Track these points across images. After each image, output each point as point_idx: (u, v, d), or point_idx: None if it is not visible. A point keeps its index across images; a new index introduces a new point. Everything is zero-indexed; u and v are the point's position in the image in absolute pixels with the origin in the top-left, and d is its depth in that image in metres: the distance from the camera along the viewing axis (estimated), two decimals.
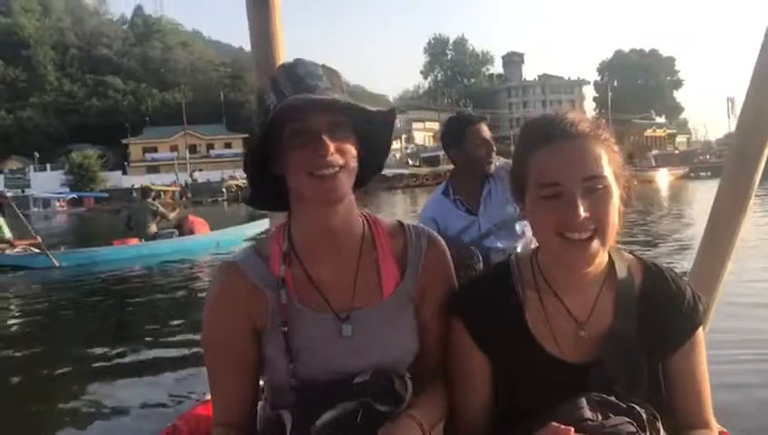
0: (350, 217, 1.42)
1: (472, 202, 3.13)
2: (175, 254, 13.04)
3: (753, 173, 1.96)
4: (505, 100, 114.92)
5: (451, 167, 3.36)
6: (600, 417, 1.20)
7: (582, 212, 1.21)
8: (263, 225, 11.89)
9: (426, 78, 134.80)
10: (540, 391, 1.29)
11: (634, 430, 1.18)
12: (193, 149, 77.32)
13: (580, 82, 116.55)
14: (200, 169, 63.73)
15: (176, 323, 7.40)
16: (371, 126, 1.37)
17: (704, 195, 20.64)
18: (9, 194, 19.06)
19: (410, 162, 69.83)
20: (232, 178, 59.38)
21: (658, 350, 1.33)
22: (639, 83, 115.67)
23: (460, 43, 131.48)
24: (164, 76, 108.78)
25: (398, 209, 28.76)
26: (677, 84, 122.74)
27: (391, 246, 1.47)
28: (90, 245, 14.92)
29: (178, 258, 12.67)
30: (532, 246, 1.68)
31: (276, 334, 1.36)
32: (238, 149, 71.17)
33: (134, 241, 13.25)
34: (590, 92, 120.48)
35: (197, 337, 3.03)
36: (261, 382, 1.46)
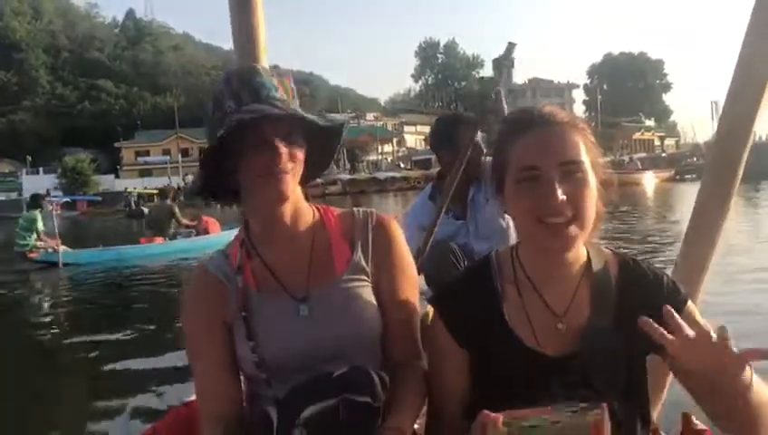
0: (298, 208, 1.52)
1: (458, 206, 3.13)
2: (197, 250, 13.71)
3: (733, 173, 1.99)
4: (493, 103, 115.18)
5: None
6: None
7: (560, 195, 1.24)
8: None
9: (417, 81, 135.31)
10: (518, 385, 1.32)
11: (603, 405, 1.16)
12: (185, 152, 77.31)
13: (570, 86, 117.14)
14: (193, 173, 63.95)
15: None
16: (324, 133, 1.49)
17: (689, 196, 21.36)
18: (2, 198, 19.80)
19: (402, 165, 70.18)
20: None
21: (639, 343, 1.33)
22: (629, 86, 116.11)
23: (451, 47, 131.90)
24: (156, 80, 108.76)
25: (390, 212, 29.22)
26: (666, 87, 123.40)
27: (341, 228, 1.56)
28: (86, 247, 15.67)
29: (201, 254, 13.24)
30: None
31: (240, 322, 1.45)
32: None
33: (159, 240, 14.32)
34: (579, 96, 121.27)
35: None
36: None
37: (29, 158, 75.68)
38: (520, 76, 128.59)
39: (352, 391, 1.31)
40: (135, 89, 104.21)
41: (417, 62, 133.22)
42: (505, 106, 3.22)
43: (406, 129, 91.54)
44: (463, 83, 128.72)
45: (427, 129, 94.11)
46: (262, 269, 1.50)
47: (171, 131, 79.69)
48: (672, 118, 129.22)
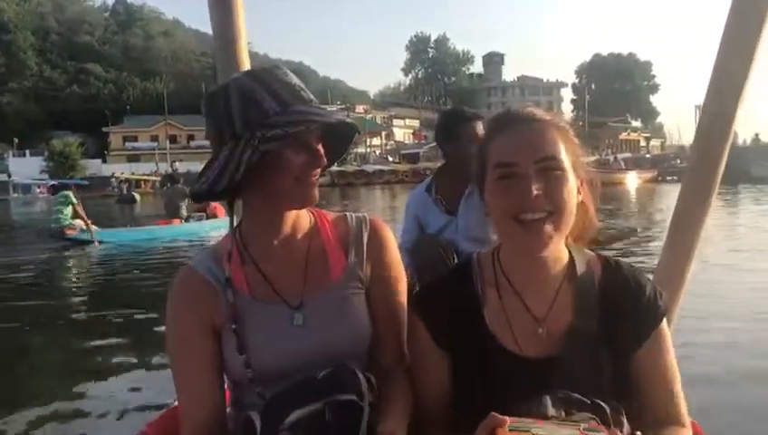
0: (298, 213, 1.49)
1: (452, 201, 3.12)
2: (211, 231, 15.28)
3: (714, 174, 1.99)
4: (485, 99, 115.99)
5: (431, 165, 3.74)
6: (563, 414, 1.20)
7: (535, 190, 1.23)
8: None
9: (407, 75, 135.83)
10: (500, 389, 1.30)
11: (596, 424, 1.17)
12: (173, 139, 77.24)
13: (559, 85, 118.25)
14: (180, 160, 63.97)
15: None
16: (335, 133, 1.47)
17: (670, 196, 22.24)
18: None
19: (390, 159, 70.61)
20: None
21: (622, 346, 1.34)
22: (616, 87, 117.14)
23: (441, 42, 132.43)
24: (145, 65, 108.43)
25: (377, 205, 29.72)
26: (654, 89, 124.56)
27: (335, 234, 1.53)
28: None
29: (215, 235, 14.30)
30: None
31: (230, 333, 1.40)
32: None
33: (177, 222, 15.60)
34: (568, 95, 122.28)
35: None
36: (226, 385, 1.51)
37: (15, 140, 75.38)
38: (509, 74, 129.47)
39: (338, 392, 1.30)
40: (124, 74, 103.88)
41: (407, 55, 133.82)
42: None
43: (395, 122, 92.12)
44: (452, 79, 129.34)
45: (415, 123, 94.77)
46: (256, 275, 1.46)
47: (160, 117, 79.55)
48: (659, 119, 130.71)
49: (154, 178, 59.11)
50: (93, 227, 14.28)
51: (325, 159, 1.39)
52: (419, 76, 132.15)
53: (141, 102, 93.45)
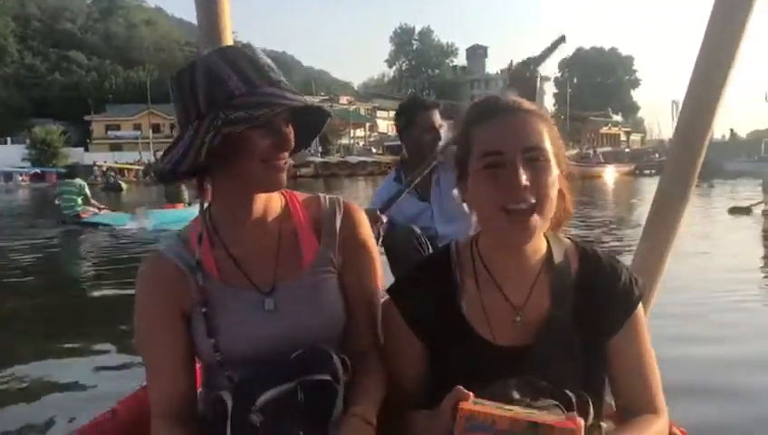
0: (270, 196, 1.46)
1: (423, 188, 3.12)
2: None
3: (693, 167, 2.00)
4: (468, 92, 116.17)
5: None
6: (528, 399, 1.21)
7: (523, 180, 1.22)
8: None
9: (391, 67, 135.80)
10: (475, 376, 1.27)
11: (560, 412, 1.18)
12: (156, 128, 77.00)
13: (541, 78, 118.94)
14: (164, 149, 63.94)
15: None
16: (307, 118, 1.42)
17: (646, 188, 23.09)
18: None
19: (374, 150, 70.96)
20: None
21: (597, 334, 1.35)
22: (598, 81, 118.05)
23: (425, 34, 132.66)
24: (128, 54, 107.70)
25: (360, 195, 30.12)
26: (635, 84, 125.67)
27: (307, 217, 1.50)
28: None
29: None
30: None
31: (199, 317, 1.38)
32: None
33: (180, 206, 15.64)
34: (550, 89, 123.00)
35: None
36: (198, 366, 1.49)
37: None
38: (493, 66, 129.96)
39: (311, 372, 1.30)
40: (107, 62, 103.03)
41: (391, 47, 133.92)
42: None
43: (378, 114, 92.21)
44: (436, 71, 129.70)
45: None
46: (226, 259, 1.43)
47: (143, 106, 79.21)
48: (640, 114, 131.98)
49: (137, 167, 59.09)
50: (104, 211, 14.96)
51: (293, 143, 1.36)
52: (403, 68, 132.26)
53: (124, 91, 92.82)
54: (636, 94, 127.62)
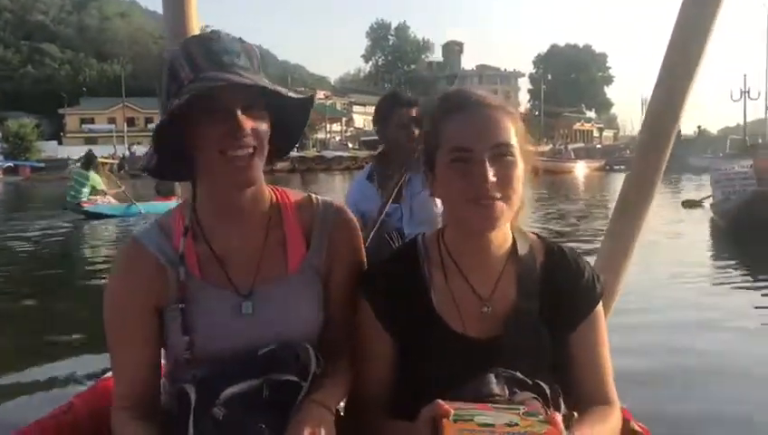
0: (257, 192, 1.41)
1: (392, 190, 3.07)
2: None
3: (659, 163, 2.01)
4: (444, 87, 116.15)
5: None
6: (507, 392, 1.21)
7: (491, 177, 1.24)
8: None
9: (367, 62, 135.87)
10: (446, 369, 1.31)
11: (539, 405, 1.18)
12: (131, 122, 76.43)
13: (516, 74, 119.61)
14: (138, 143, 63.57)
15: None
16: (287, 111, 1.37)
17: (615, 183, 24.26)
18: None
19: (350, 145, 71.20)
20: None
21: (560, 326, 1.37)
22: (572, 77, 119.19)
23: (402, 30, 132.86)
24: (102, 46, 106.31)
25: (337, 187, 30.45)
26: (608, 80, 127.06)
27: (298, 220, 1.46)
28: (30, 211, 17.38)
29: None
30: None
31: (176, 313, 1.35)
32: None
33: (174, 198, 16.33)
34: (525, 84, 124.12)
35: None
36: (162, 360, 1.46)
37: None
38: (468, 62, 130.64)
39: (278, 371, 1.28)
40: (81, 55, 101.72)
41: (368, 42, 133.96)
42: None
43: (355, 109, 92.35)
44: (413, 66, 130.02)
45: None
46: (208, 256, 1.39)
47: (117, 100, 78.51)
48: (614, 111, 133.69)
49: (111, 161, 58.76)
50: (108, 200, 15.65)
51: (247, 129, 1.26)
52: (380, 63, 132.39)
53: (98, 84, 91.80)
54: (609, 91, 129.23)
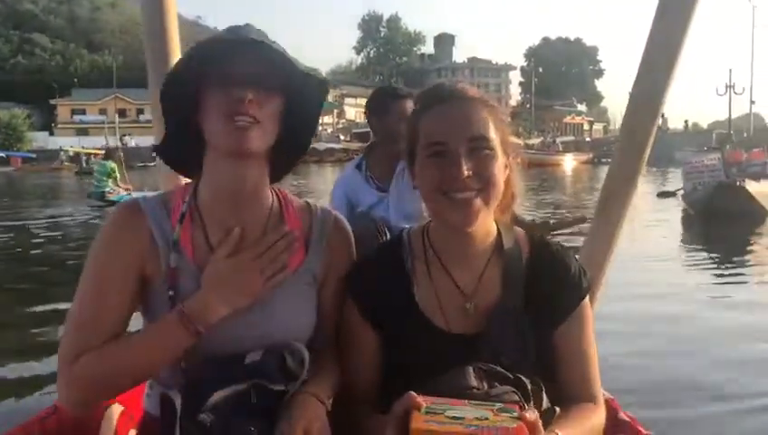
0: (259, 185, 1.40)
1: (384, 178, 3.06)
2: None
3: (640, 156, 2.02)
4: (435, 80, 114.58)
5: None
6: (485, 386, 1.20)
7: (465, 170, 1.23)
8: None
9: (359, 54, 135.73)
10: (429, 364, 1.28)
11: (517, 399, 1.18)
12: (123, 113, 76.39)
13: (507, 67, 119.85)
14: (129, 134, 63.70)
15: None
16: (299, 103, 1.36)
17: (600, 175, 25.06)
18: None
19: (342, 137, 71.45)
20: None
21: (545, 322, 1.36)
22: (563, 71, 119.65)
23: (393, 21, 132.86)
24: (93, 37, 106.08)
25: (329, 181, 30.84)
26: (599, 74, 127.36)
27: (299, 224, 1.45)
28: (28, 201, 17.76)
29: None
30: None
31: (163, 296, 1.32)
32: None
33: None
34: (516, 78, 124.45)
35: None
36: None
37: None
38: (460, 55, 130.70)
39: (265, 378, 1.26)
40: (72, 45, 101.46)
41: (359, 34, 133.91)
42: None
43: (346, 101, 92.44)
44: (404, 59, 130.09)
45: None
46: (204, 244, 1.37)
47: (109, 91, 78.61)
48: (603, 104, 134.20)
49: (102, 152, 58.75)
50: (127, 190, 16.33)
51: (249, 95, 1.26)
52: (371, 55, 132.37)
53: (89, 75, 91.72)
54: (600, 84, 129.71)
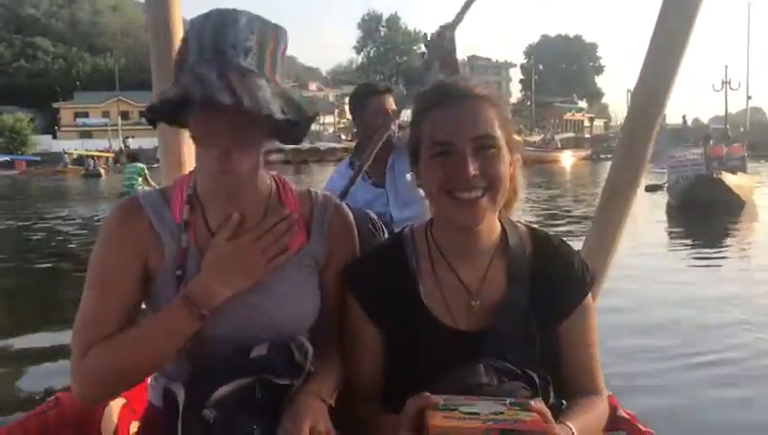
0: (253, 177, 1.37)
1: (377, 174, 3.06)
2: None
3: (643, 153, 2.00)
4: (433, 78, 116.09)
5: None
6: (496, 381, 1.21)
7: (472, 170, 1.22)
8: None
9: (359, 53, 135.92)
10: (435, 361, 1.29)
11: (529, 394, 1.18)
12: (125, 115, 76.71)
13: (507, 65, 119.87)
14: (132, 136, 64.10)
15: None
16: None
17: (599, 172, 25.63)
18: None
19: (343, 137, 71.78)
20: None
21: (550, 317, 1.36)
22: (563, 68, 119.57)
23: (393, 21, 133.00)
24: (94, 40, 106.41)
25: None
26: (599, 70, 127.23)
27: (299, 210, 1.45)
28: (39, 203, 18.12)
29: None
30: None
31: (169, 280, 1.33)
32: None
33: None
34: (516, 75, 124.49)
35: None
36: None
37: None
38: (459, 53, 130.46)
39: (270, 373, 1.25)
40: (74, 49, 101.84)
41: (359, 33, 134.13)
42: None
43: (347, 100, 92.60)
44: (404, 58, 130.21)
45: None
46: (205, 231, 1.37)
47: (111, 93, 78.85)
48: (604, 100, 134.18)
49: (107, 154, 59.27)
50: None
51: (233, 152, 1.25)
52: (371, 54, 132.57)
53: (92, 78, 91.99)
54: (600, 81, 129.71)
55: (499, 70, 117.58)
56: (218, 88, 1.16)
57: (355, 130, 3.53)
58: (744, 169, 16.65)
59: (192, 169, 1.46)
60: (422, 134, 1.33)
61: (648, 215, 13.60)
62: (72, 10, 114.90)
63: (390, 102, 3.05)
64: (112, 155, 60.39)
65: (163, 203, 1.41)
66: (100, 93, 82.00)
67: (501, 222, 1.42)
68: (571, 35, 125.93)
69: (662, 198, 16.17)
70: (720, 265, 9.14)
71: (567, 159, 41.06)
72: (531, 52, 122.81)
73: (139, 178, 16.73)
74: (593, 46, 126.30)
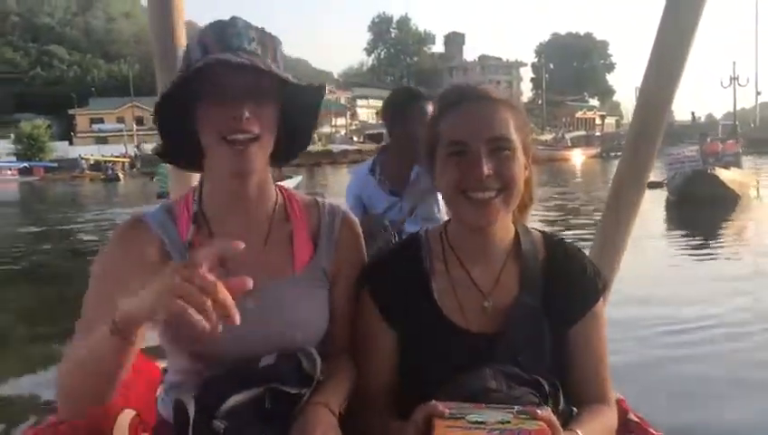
0: (263, 188, 1.39)
1: (397, 183, 2.98)
2: None
3: (649, 153, 1.99)
4: (447, 79, 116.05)
5: None
6: (504, 387, 1.20)
7: (486, 170, 1.23)
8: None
9: (369, 55, 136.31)
10: (446, 363, 1.29)
11: (537, 401, 1.17)
12: (140, 121, 77.47)
13: (518, 64, 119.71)
14: (145, 142, 64.94)
15: None
16: (297, 103, 1.34)
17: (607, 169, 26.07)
18: None
19: (355, 139, 72.27)
20: None
21: (561, 322, 1.36)
22: (574, 66, 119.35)
23: (403, 22, 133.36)
24: (108, 47, 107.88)
25: (344, 181, 31.68)
26: (610, 68, 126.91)
27: (305, 221, 1.44)
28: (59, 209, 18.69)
29: None
30: None
31: None
32: None
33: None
34: (527, 74, 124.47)
35: None
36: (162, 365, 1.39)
37: None
38: (470, 53, 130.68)
39: (280, 382, 1.23)
40: (88, 56, 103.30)
41: (370, 36, 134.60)
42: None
43: (359, 102, 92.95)
44: (415, 59, 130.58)
45: (379, 103, 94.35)
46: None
47: (126, 99, 79.85)
48: (616, 97, 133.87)
49: (123, 159, 60.14)
50: None
51: (249, 114, 1.23)
52: (382, 56, 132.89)
53: (107, 85, 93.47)
54: (612, 78, 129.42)
55: (510, 69, 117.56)
56: (230, 55, 1.21)
57: (378, 132, 3.36)
58: (737, 165, 17.34)
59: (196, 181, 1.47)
60: (438, 135, 1.34)
61: (647, 214, 13.94)
62: (86, 18, 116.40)
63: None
64: (128, 160, 61.36)
65: (169, 220, 1.39)
66: (114, 99, 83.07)
67: (515, 226, 1.44)
68: (582, 33, 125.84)
69: (661, 196, 16.58)
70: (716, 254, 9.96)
71: (577, 158, 41.42)
72: (541, 50, 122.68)
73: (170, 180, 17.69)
74: (604, 44, 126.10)
